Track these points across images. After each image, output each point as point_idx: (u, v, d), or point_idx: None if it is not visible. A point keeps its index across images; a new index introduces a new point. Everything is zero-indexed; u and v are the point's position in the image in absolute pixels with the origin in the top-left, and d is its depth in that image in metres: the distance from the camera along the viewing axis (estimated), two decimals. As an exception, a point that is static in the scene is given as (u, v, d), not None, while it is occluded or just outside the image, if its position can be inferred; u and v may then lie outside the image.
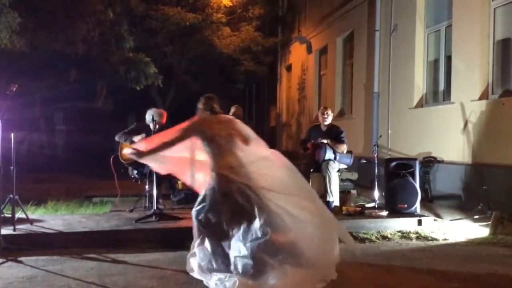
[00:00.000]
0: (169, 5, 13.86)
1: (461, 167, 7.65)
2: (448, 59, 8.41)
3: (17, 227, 5.51)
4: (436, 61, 8.95)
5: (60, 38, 10.55)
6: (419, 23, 9.14)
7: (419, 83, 9.14)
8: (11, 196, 5.56)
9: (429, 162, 8.22)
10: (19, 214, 5.81)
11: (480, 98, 7.43)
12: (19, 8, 8.70)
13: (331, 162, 6.79)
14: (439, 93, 8.82)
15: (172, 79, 15.71)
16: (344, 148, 6.99)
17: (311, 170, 6.99)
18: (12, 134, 5.56)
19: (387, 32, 10.01)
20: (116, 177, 6.75)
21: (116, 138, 6.76)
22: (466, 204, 7.34)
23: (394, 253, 5.27)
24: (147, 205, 6.69)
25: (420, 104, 9.12)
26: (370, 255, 5.13)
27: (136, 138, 6.56)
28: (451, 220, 6.79)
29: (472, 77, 7.58)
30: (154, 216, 6.07)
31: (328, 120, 7.17)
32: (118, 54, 12.16)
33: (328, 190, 6.70)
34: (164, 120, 6.83)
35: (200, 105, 4.46)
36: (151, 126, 6.60)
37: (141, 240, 5.45)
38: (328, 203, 6.69)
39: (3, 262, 4.67)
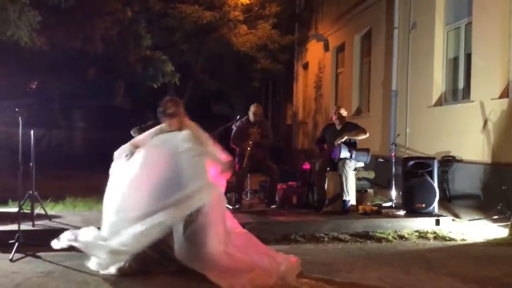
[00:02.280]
0: (187, 3, 13.91)
1: (480, 166, 7.55)
2: (468, 56, 8.29)
3: (36, 223, 5.61)
4: (455, 59, 8.83)
5: (79, 36, 10.66)
6: (439, 20, 9.03)
7: (438, 81, 9.03)
8: (30, 192, 5.65)
9: (447, 161, 8.12)
10: (38, 210, 5.90)
11: (500, 97, 7.31)
12: (39, 6, 8.80)
13: (347, 161, 6.74)
14: (458, 91, 8.70)
15: (189, 77, 15.76)
16: (365, 132, 6.91)
17: (327, 168, 6.96)
18: (32, 131, 5.64)
19: (406, 29, 9.91)
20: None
21: (132, 133, 6.81)
22: (485, 204, 7.24)
23: (411, 253, 5.22)
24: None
25: (439, 103, 9.02)
26: (387, 255, 5.09)
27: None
28: (469, 220, 6.70)
29: (492, 75, 7.47)
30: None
31: (340, 118, 7.12)
32: (135, 52, 12.25)
33: (345, 189, 6.65)
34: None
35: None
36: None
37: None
38: (344, 202, 6.66)
39: (22, 257, 4.74)
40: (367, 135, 6.96)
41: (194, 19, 13.69)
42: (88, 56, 11.43)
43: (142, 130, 6.77)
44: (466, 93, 8.34)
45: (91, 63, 12.95)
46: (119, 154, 4.58)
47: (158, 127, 4.70)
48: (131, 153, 4.51)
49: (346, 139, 6.84)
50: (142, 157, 4.41)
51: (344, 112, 7.18)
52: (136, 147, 4.56)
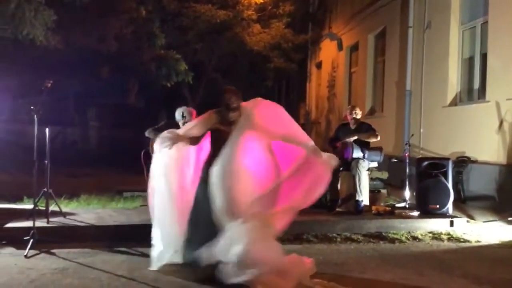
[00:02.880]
0: (201, 3, 13.94)
1: (495, 167, 7.46)
2: (484, 56, 8.20)
3: (50, 219, 5.66)
4: (471, 59, 8.74)
5: (94, 35, 10.74)
6: (454, 20, 8.94)
7: (453, 81, 8.94)
8: (45, 189, 5.71)
9: (462, 162, 8.04)
10: (53, 207, 5.96)
11: (517, 97, 7.22)
12: (55, 5, 8.89)
13: (361, 161, 6.70)
14: (473, 91, 8.61)
15: (202, 76, 15.81)
16: (376, 136, 6.85)
17: (340, 168, 6.92)
18: (47, 129, 5.70)
19: (421, 28, 9.82)
20: (146, 172, 6.84)
21: (146, 134, 6.86)
22: (500, 205, 7.15)
23: (425, 254, 5.18)
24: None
25: (454, 103, 8.93)
26: (400, 256, 5.05)
27: None
28: (484, 221, 6.63)
29: (508, 75, 7.37)
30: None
31: (354, 118, 7.07)
32: (149, 51, 12.32)
33: (358, 189, 6.61)
34: (193, 118, 6.88)
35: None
36: (181, 124, 6.66)
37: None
38: (357, 202, 6.63)
39: (36, 254, 4.80)
40: (378, 138, 6.89)
41: (207, 18, 13.72)
42: (102, 55, 11.52)
43: (156, 131, 6.84)
44: (482, 93, 8.25)
45: (105, 62, 13.05)
46: (160, 146, 4.26)
47: (207, 116, 4.38)
48: (173, 142, 4.22)
49: (356, 138, 6.80)
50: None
51: (359, 112, 7.13)
52: (177, 136, 4.27)
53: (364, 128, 7.01)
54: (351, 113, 7.09)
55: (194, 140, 4.40)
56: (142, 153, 6.90)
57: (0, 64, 10.30)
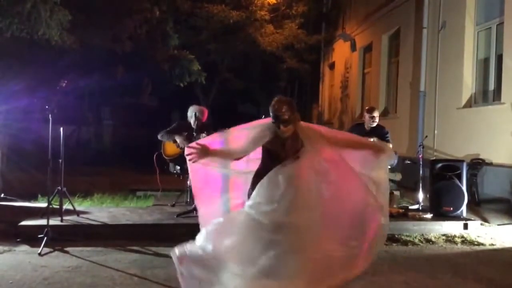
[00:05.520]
0: (214, 3, 13.99)
1: (510, 170, 7.37)
2: (499, 57, 8.11)
3: (64, 218, 5.71)
4: (486, 60, 8.64)
5: (108, 35, 10.82)
6: (469, 20, 8.85)
7: (468, 83, 8.86)
8: (59, 188, 5.76)
9: (477, 164, 7.96)
10: (67, 206, 6.01)
11: (533, 99, 7.13)
12: (70, 6, 8.96)
13: (374, 162, 6.64)
14: (488, 93, 8.52)
15: (215, 76, 15.85)
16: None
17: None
18: (61, 128, 5.75)
19: (435, 29, 9.74)
20: (158, 173, 6.89)
21: (159, 137, 6.87)
22: (515, 208, 7.07)
23: (438, 257, 5.14)
24: (188, 200, 6.78)
25: (468, 104, 8.84)
26: (413, 259, 5.02)
27: (178, 139, 6.69)
28: (498, 224, 6.56)
29: (524, 76, 7.28)
30: (195, 211, 6.13)
31: (375, 123, 6.99)
32: (163, 51, 12.38)
33: (370, 191, 6.56)
34: (204, 118, 6.89)
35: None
36: (192, 122, 6.67)
37: (182, 234, 5.51)
38: (370, 204, 6.57)
39: (50, 252, 4.85)
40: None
41: (221, 18, 13.75)
42: (117, 54, 11.60)
43: (169, 133, 6.84)
44: (497, 95, 8.15)
45: (120, 62, 13.14)
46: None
47: (261, 132, 3.77)
48: (200, 158, 3.50)
49: (375, 140, 6.74)
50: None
51: (377, 115, 7.05)
52: (206, 151, 3.53)
53: (378, 131, 6.93)
54: (371, 117, 6.96)
55: (231, 156, 3.68)
56: (154, 156, 6.91)
57: (16, 64, 10.40)
